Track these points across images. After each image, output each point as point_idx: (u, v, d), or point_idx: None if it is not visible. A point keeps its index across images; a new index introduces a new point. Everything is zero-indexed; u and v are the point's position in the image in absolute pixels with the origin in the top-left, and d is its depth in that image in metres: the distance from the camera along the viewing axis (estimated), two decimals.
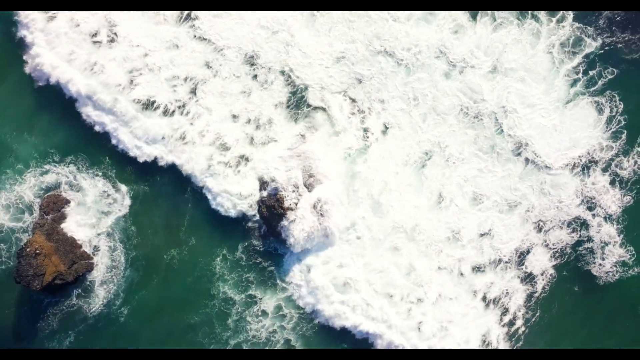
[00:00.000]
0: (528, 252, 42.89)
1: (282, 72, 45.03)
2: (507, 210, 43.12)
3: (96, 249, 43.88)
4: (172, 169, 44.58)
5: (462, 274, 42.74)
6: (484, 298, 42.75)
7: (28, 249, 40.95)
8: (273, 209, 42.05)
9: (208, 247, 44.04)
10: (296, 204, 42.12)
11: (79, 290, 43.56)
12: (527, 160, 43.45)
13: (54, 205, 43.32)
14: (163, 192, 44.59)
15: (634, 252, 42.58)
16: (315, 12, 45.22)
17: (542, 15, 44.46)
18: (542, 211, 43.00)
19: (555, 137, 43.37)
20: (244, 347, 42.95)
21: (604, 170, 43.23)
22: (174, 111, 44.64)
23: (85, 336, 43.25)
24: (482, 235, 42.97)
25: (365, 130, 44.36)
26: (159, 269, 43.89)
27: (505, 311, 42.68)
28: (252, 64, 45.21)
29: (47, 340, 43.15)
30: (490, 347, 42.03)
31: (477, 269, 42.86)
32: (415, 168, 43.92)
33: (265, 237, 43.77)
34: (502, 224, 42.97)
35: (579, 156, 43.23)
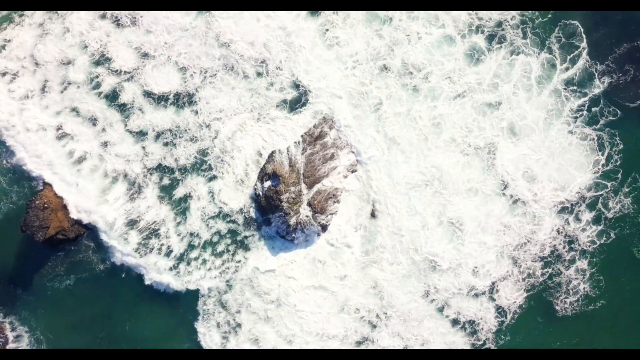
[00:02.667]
0: (503, 280, 43.82)
1: (290, 74, 45.40)
2: (487, 242, 43.84)
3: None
4: None
5: (434, 299, 43.78)
6: (456, 321, 43.89)
7: (37, 202, 42.85)
8: (271, 200, 43.33)
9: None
10: (294, 198, 43.38)
11: (92, 243, 45.00)
12: (511, 197, 43.93)
13: None
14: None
15: (602, 283, 43.57)
16: (326, 26, 45.57)
17: (555, 48, 44.64)
18: (520, 245, 43.86)
19: (545, 177, 43.89)
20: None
21: (590, 207, 43.80)
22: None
23: (86, 282, 44.81)
24: (460, 263, 43.77)
25: (369, 139, 45.06)
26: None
27: (474, 332, 43.89)
28: (261, 65, 45.64)
29: (48, 281, 44.73)
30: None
31: (454, 293, 43.84)
32: (411, 188, 44.56)
33: (257, 226, 45.04)
34: (481, 253, 43.71)
35: (567, 199, 43.82)
